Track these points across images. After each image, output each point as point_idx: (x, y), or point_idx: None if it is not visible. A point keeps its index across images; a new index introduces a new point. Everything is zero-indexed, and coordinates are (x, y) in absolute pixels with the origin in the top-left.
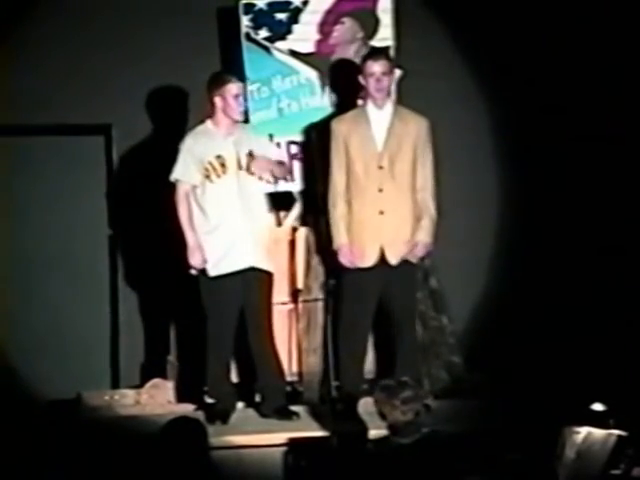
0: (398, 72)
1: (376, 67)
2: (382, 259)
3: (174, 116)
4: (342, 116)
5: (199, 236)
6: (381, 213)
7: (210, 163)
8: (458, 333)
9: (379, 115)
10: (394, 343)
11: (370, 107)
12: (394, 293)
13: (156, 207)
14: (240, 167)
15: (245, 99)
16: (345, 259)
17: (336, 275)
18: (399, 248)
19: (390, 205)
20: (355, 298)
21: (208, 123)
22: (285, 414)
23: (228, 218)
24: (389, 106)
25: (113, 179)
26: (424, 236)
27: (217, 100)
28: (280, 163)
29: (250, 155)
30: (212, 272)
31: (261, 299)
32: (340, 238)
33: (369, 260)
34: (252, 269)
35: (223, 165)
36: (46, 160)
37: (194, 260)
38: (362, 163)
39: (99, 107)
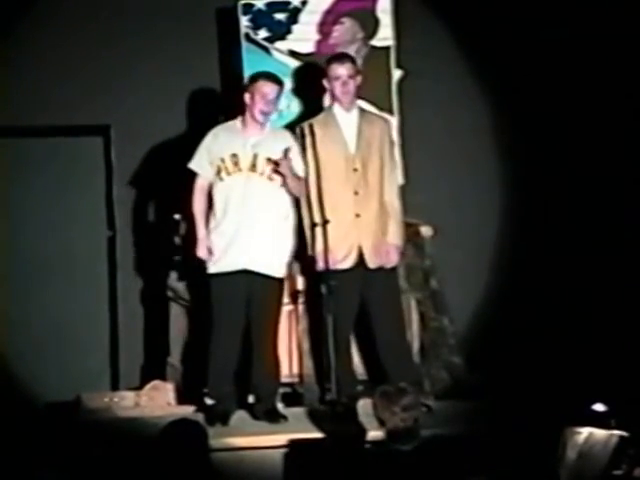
0: (398, 72)
1: (342, 70)
2: (360, 262)
3: (173, 117)
4: (312, 120)
5: (209, 230)
6: (357, 216)
7: (223, 160)
8: (459, 334)
9: (347, 118)
10: (379, 348)
11: (337, 110)
12: (374, 296)
13: (155, 208)
14: (254, 169)
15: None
16: (323, 264)
17: (320, 278)
18: (375, 250)
19: (365, 208)
20: (336, 300)
21: (237, 120)
22: (273, 417)
23: (231, 217)
24: (355, 108)
25: (112, 180)
26: (395, 239)
27: (246, 97)
28: (299, 179)
29: (269, 160)
30: (211, 269)
31: (263, 303)
32: (315, 244)
33: (347, 262)
34: (257, 273)
35: (236, 164)
36: (45, 161)
37: (200, 252)
38: (336, 167)
39: (98, 108)
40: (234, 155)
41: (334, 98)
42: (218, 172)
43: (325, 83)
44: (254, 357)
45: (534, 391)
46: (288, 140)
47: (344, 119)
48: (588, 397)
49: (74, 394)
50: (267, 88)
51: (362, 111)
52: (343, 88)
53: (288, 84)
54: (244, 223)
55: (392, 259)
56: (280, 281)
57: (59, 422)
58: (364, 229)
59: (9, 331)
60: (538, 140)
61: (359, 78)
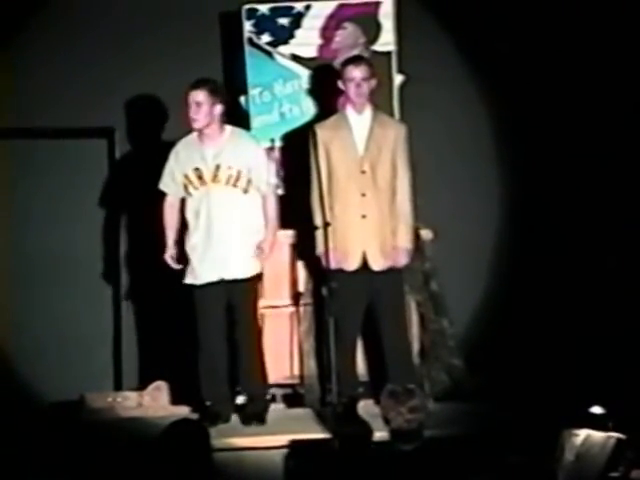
0: (400, 77)
1: (357, 72)
2: (365, 264)
3: (176, 120)
4: (323, 122)
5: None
6: (363, 217)
7: (187, 177)
8: (458, 336)
9: (359, 120)
10: (381, 348)
11: (350, 112)
12: (379, 299)
13: (158, 210)
14: (216, 180)
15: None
16: (330, 264)
17: (322, 280)
18: (381, 253)
19: (372, 209)
20: (341, 302)
21: (194, 133)
22: (250, 419)
23: (201, 230)
24: (368, 111)
25: (115, 182)
26: (403, 242)
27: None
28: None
29: (229, 168)
30: (187, 280)
31: (245, 305)
32: (322, 245)
33: (353, 264)
34: (235, 279)
35: (200, 177)
36: (49, 163)
37: (166, 258)
38: (344, 168)
39: (102, 111)
40: (197, 169)
41: (347, 100)
42: (186, 189)
43: (340, 85)
44: (242, 359)
45: (533, 393)
46: (249, 146)
47: (356, 121)
48: (586, 399)
49: (77, 394)
50: (193, 96)
51: (376, 114)
52: (357, 90)
53: (290, 88)
54: (214, 234)
55: (401, 261)
56: (256, 277)
57: (62, 422)
58: (370, 231)
59: (13, 330)
60: (538, 144)
61: (373, 81)
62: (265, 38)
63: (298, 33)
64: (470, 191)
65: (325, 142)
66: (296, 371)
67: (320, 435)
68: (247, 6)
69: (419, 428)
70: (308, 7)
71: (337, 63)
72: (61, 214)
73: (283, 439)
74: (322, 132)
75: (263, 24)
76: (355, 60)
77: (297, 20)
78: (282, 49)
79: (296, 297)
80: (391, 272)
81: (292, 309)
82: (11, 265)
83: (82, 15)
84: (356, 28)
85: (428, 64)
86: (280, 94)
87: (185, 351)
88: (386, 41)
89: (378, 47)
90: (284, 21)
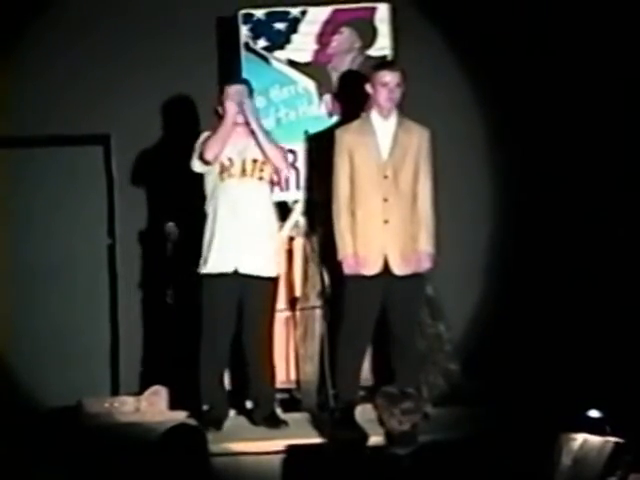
0: None
1: (391, 77)
2: (386, 269)
3: (173, 126)
4: (347, 126)
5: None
6: (386, 222)
7: (223, 163)
8: (455, 341)
9: (384, 125)
10: (392, 354)
11: (375, 117)
12: (397, 304)
13: (156, 216)
14: (244, 174)
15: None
16: (350, 269)
17: (340, 284)
18: (403, 257)
19: (394, 214)
20: (358, 307)
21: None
22: (273, 423)
23: (226, 220)
24: (393, 116)
25: (112, 189)
26: (427, 247)
27: (220, 109)
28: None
29: (254, 162)
30: (203, 269)
31: (258, 304)
32: (346, 248)
33: (373, 268)
34: (250, 275)
35: (232, 168)
36: (46, 170)
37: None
38: (368, 173)
39: (98, 117)
40: (230, 159)
41: (374, 104)
42: (221, 172)
43: (368, 89)
44: (249, 362)
45: (530, 397)
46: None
47: (381, 126)
48: (583, 403)
49: (75, 399)
50: (234, 92)
51: (401, 119)
52: (389, 95)
53: (286, 93)
54: (238, 226)
55: (424, 265)
56: (273, 280)
57: (60, 427)
58: (392, 235)
59: (11, 337)
60: (533, 148)
61: (403, 87)
62: (261, 43)
63: (294, 38)
64: (466, 195)
65: (349, 146)
66: (293, 376)
67: (317, 440)
68: (243, 11)
69: (413, 431)
70: (304, 12)
71: (354, 67)
72: (58, 221)
73: (280, 444)
74: (346, 136)
75: (259, 29)
76: (390, 65)
77: (293, 25)
78: (278, 54)
79: (292, 302)
80: (414, 277)
81: (288, 314)
82: (9, 272)
83: (77, 22)
84: (352, 33)
85: (424, 68)
86: (276, 99)
87: (183, 355)
88: (382, 45)
89: (374, 52)
90: (280, 26)
